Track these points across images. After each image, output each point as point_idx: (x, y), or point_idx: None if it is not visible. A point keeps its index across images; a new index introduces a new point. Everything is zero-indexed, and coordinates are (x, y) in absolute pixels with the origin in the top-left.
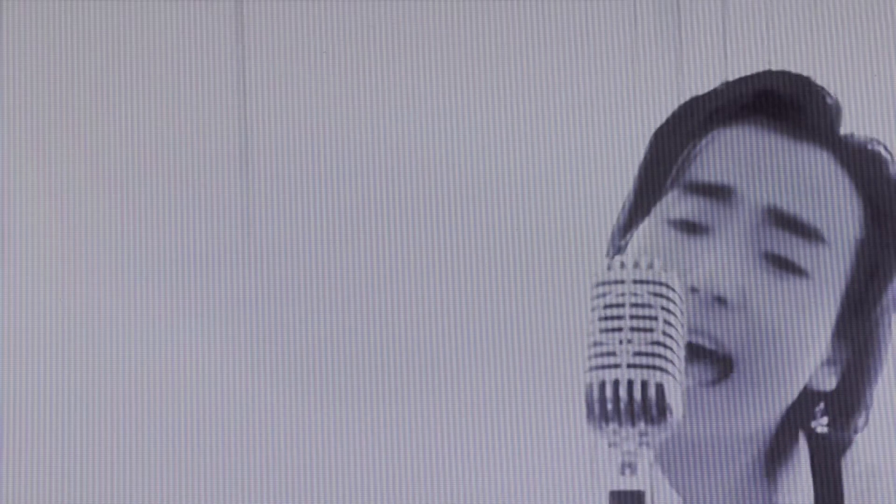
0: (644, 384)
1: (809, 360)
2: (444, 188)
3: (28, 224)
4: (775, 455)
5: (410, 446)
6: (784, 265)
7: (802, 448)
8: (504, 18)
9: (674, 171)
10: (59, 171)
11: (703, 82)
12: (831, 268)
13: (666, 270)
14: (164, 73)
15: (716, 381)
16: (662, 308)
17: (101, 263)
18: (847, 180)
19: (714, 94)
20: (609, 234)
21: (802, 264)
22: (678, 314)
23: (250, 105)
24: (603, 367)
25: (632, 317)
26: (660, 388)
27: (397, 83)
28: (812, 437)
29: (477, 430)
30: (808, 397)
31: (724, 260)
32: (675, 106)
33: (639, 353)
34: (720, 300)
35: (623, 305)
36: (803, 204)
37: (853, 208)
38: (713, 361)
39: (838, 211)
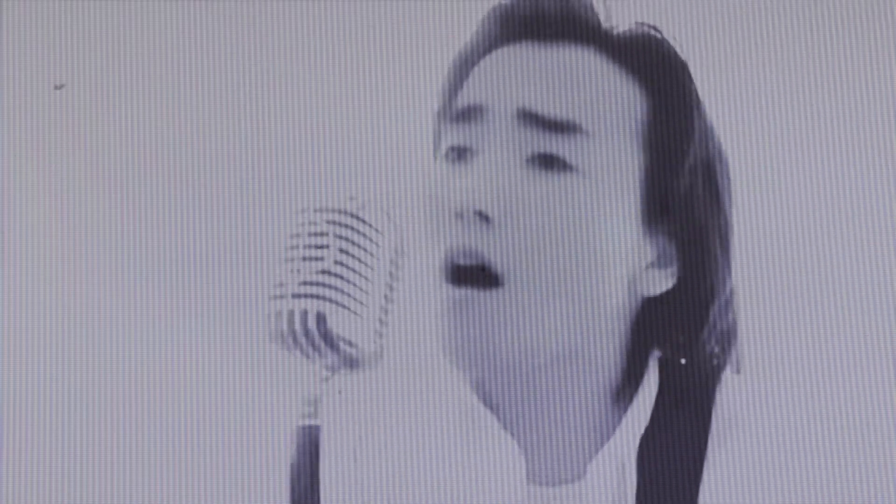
0: (304, 314)
1: (612, 262)
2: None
3: (28, 224)
4: (623, 380)
5: (410, 446)
6: (546, 164)
7: (651, 373)
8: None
9: (443, 108)
10: (59, 171)
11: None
12: (606, 158)
13: (354, 198)
14: (164, 73)
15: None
16: (336, 236)
17: (101, 263)
18: (615, 69)
19: (483, 24)
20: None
21: (568, 159)
22: (364, 244)
23: (250, 105)
24: (273, 297)
25: (305, 246)
26: (321, 318)
27: (397, 83)
28: (667, 362)
29: (476, 429)
30: (651, 309)
31: (482, 176)
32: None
33: (304, 283)
34: (482, 216)
35: (300, 235)
36: (556, 101)
37: (628, 95)
38: (482, 281)
39: (606, 101)
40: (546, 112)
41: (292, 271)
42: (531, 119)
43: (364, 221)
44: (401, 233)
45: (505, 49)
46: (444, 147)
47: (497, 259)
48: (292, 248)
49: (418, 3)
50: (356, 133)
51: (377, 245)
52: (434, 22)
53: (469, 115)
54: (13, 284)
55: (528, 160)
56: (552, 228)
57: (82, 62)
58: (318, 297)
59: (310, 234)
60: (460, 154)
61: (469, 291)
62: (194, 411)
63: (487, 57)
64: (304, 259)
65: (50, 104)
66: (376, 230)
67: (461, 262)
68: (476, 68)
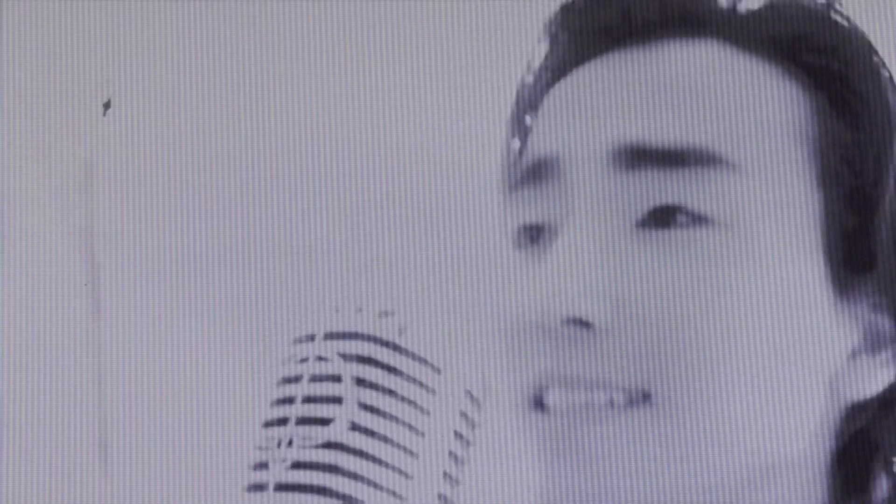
0: None
1: (793, 358)
2: (446, 188)
3: (28, 224)
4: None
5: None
6: (666, 221)
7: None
8: (505, 18)
9: (505, 170)
10: (59, 171)
11: None
12: (762, 199)
13: (388, 315)
14: (164, 73)
15: (643, 429)
16: (356, 380)
17: (100, 263)
18: (755, 64)
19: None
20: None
21: (699, 207)
22: (406, 391)
23: (250, 105)
24: (248, 488)
25: (305, 399)
26: None
27: (397, 83)
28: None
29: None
30: (866, 415)
31: (570, 263)
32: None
33: (298, 465)
34: (580, 323)
35: (300, 379)
36: (670, 124)
37: (784, 101)
38: (627, 405)
39: (751, 113)
40: (656, 141)
41: (280, 443)
42: (635, 157)
43: (403, 351)
44: (477, 362)
45: (583, 69)
46: (512, 227)
47: (614, 379)
48: (283, 401)
49: (418, 3)
50: (356, 133)
51: (431, 392)
52: (434, 22)
53: (541, 173)
54: (13, 284)
55: (637, 223)
56: (691, 320)
57: (82, 62)
58: (320, 490)
59: (312, 380)
60: (535, 235)
61: (573, 428)
62: (194, 412)
63: (558, 85)
64: (300, 422)
65: (50, 104)
66: (431, 366)
67: (555, 397)
68: (543, 103)
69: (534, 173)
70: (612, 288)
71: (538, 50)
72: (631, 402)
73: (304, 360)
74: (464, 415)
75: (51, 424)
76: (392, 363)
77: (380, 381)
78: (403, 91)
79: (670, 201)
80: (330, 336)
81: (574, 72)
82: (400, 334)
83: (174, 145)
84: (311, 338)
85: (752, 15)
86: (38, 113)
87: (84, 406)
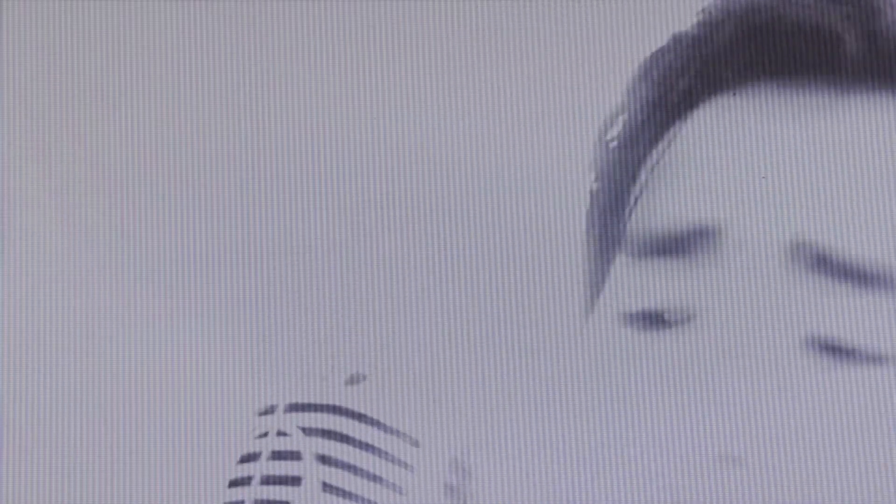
0: None
1: None
2: (446, 188)
3: (28, 224)
4: None
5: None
6: (842, 354)
7: None
8: (505, 18)
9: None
10: (59, 171)
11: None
12: None
13: (359, 381)
14: (164, 73)
15: None
16: (318, 458)
17: (101, 263)
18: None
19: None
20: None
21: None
22: (376, 468)
23: (250, 105)
24: None
25: (263, 479)
26: None
27: (397, 83)
28: None
29: (476, 430)
30: None
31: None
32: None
33: None
34: (733, 459)
35: (259, 456)
36: (860, 225)
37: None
38: None
39: None
40: (848, 251)
41: None
42: (818, 264)
43: (374, 423)
44: (467, 426)
45: (721, 99)
46: (628, 305)
47: None
48: (239, 482)
49: (418, 3)
50: (356, 133)
51: (408, 469)
52: (434, 22)
53: (681, 246)
54: (13, 284)
55: (806, 343)
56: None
57: (82, 62)
58: None
59: (271, 457)
60: (661, 318)
61: None
62: (194, 412)
63: (691, 115)
64: None
65: (50, 104)
66: (408, 438)
67: None
68: (675, 139)
69: (679, 244)
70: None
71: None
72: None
73: (263, 436)
74: (450, 488)
75: (51, 424)
76: (361, 437)
77: (345, 459)
78: (403, 91)
79: (840, 335)
80: (292, 408)
81: (704, 104)
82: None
83: (174, 145)
84: (272, 410)
85: None
86: (38, 113)
87: (84, 406)
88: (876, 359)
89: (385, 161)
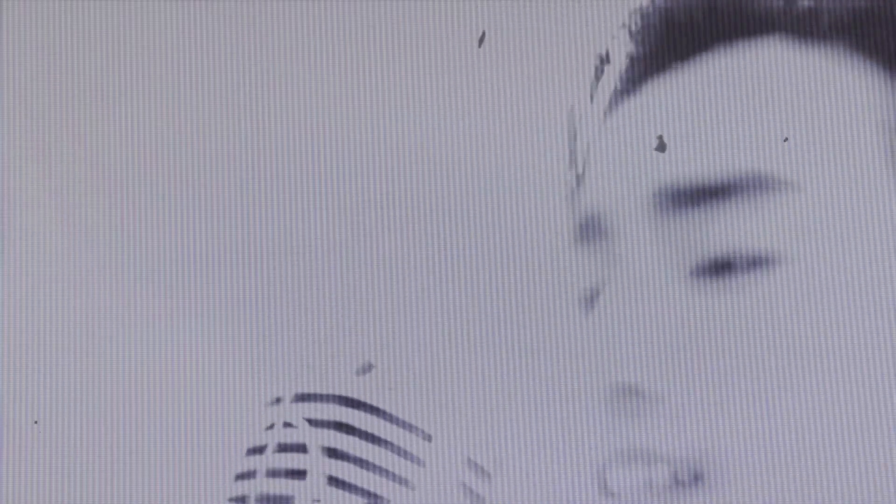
0: None
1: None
2: (446, 188)
3: (28, 224)
4: None
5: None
6: (720, 271)
7: None
8: (505, 18)
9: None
10: (59, 171)
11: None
12: (831, 210)
13: (368, 370)
14: (164, 73)
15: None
16: (324, 450)
17: (101, 263)
18: (823, 56)
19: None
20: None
21: (758, 248)
22: (382, 459)
23: (250, 105)
24: None
25: (268, 472)
26: None
27: (397, 83)
28: None
29: (476, 430)
30: None
31: (615, 326)
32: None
33: None
34: (631, 391)
35: (265, 449)
36: (713, 150)
37: (860, 83)
38: (690, 482)
39: (820, 107)
40: (700, 175)
41: None
42: (681, 200)
43: (385, 415)
44: (484, 423)
45: (630, 100)
46: (577, 293)
47: (670, 452)
48: (244, 476)
49: (418, 3)
50: (356, 133)
51: (419, 464)
52: (434, 22)
53: (589, 234)
54: (13, 284)
55: (691, 272)
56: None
57: (82, 62)
58: None
59: (277, 449)
60: (594, 297)
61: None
62: (194, 412)
63: (608, 119)
64: (259, 501)
65: (50, 104)
66: (420, 432)
67: (617, 479)
68: (592, 148)
69: (585, 232)
70: (663, 348)
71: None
72: (692, 480)
73: (270, 428)
74: (467, 489)
75: (51, 424)
76: (370, 430)
77: (353, 452)
78: (403, 91)
79: (724, 246)
80: (300, 398)
81: (621, 104)
82: (389, 389)
83: (174, 145)
84: (278, 401)
85: (811, 6)
86: (38, 113)
87: (85, 405)
88: (759, 261)
89: (385, 161)
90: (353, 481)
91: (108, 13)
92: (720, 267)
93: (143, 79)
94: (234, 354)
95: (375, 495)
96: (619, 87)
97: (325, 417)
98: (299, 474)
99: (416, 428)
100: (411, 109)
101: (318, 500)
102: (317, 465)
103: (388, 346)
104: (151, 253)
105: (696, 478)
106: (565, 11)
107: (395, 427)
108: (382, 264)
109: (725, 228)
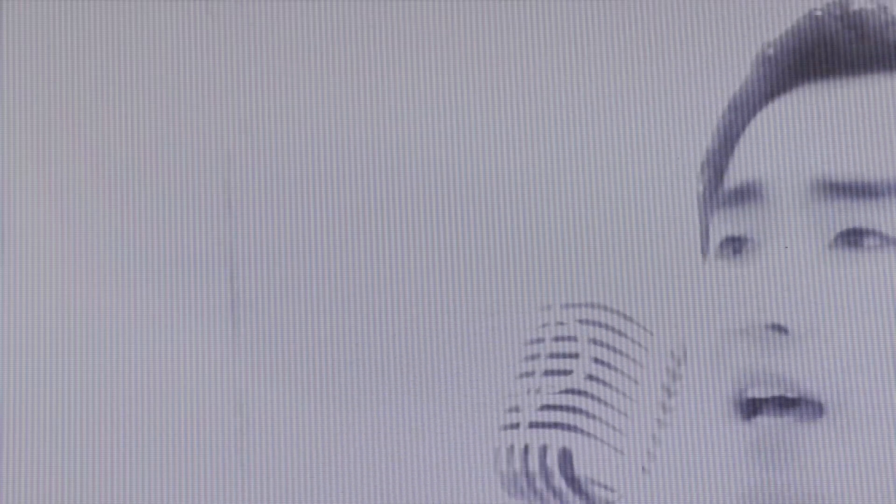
0: (543, 450)
1: None
2: (445, 189)
3: (28, 224)
4: None
5: (409, 447)
6: (856, 241)
7: None
8: (506, 17)
9: (708, 188)
10: (59, 171)
11: (720, 76)
12: None
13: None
14: (164, 73)
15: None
16: (591, 340)
17: (100, 263)
18: None
19: (760, 66)
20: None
21: (886, 228)
22: (629, 350)
23: (250, 105)
24: (505, 427)
25: (550, 355)
26: (566, 455)
27: (396, 83)
28: None
29: (475, 430)
30: None
31: (770, 273)
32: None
33: (545, 407)
34: (777, 328)
35: (543, 340)
36: (867, 160)
37: None
38: (791, 412)
39: None
40: (854, 178)
41: (529, 391)
42: (834, 191)
43: (630, 320)
44: (681, 334)
45: (784, 98)
46: (716, 239)
47: (806, 382)
48: (530, 357)
49: (419, 3)
50: (356, 133)
51: (646, 350)
52: (434, 22)
53: (746, 194)
54: (13, 284)
55: (831, 243)
56: (881, 329)
57: (82, 62)
58: (562, 426)
59: (555, 339)
60: (738, 247)
61: (773, 425)
62: (195, 412)
63: (760, 113)
64: (546, 374)
65: (50, 104)
66: (647, 331)
67: (756, 393)
68: (747, 131)
69: (740, 193)
70: (808, 297)
71: (739, 78)
72: (820, 413)
73: (545, 325)
74: (668, 370)
75: (51, 424)
76: (618, 327)
77: (607, 340)
78: (403, 91)
79: (862, 225)
80: (566, 305)
81: (776, 101)
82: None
83: (174, 145)
84: (549, 307)
85: None
86: (38, 113)
87: (85, 405)
88: (890, 242)
89: (385, 161)
90: (610, 362)
91: (108, 14)
92: (853, 243)
93: (144, 79)
94: (234, 355)
95: (623, 371)
96: (774, 84)
97: (586, 318)
98: (574, 355)
99: (640, 324)
100: (411, 109)
101: (590, 373)
102: (586, 350)
103: (388, 347)
104: (152, 253)
105: (821, 412)
106: (566, 11)
107: (627, 323)
108: (383, 264)
109: (863, 215)
